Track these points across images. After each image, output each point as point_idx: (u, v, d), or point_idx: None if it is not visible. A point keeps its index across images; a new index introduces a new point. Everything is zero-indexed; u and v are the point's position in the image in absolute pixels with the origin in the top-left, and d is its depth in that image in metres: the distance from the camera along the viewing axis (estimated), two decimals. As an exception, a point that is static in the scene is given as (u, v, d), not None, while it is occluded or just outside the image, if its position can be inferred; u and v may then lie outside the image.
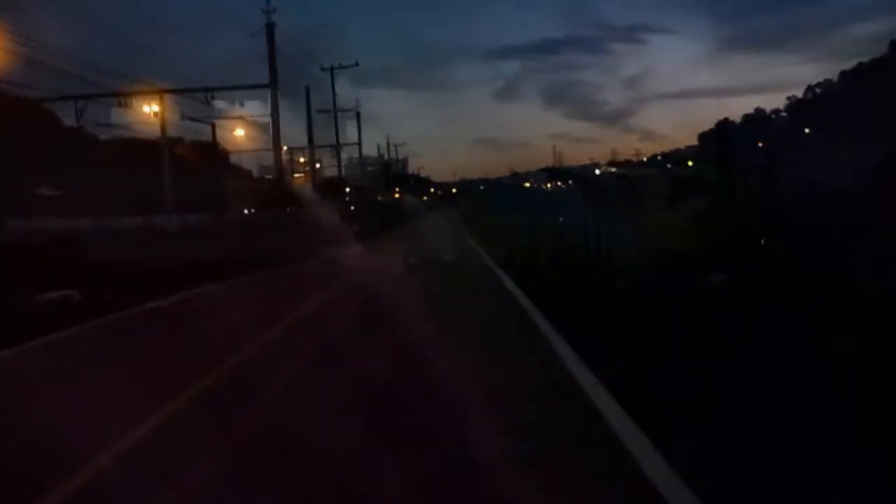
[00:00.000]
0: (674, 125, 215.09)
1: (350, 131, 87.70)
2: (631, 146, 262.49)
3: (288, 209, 37.27)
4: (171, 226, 31.84)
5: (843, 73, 66.48)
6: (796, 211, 12.95)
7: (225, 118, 42.71)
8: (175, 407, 5.72)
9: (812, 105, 66.12)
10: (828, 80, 70.54)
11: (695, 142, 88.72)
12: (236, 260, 18.51)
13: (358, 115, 65.93)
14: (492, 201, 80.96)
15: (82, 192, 32.23)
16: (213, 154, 43.95)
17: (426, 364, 6.91)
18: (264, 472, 4.25)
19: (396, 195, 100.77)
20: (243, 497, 3.99)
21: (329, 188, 53.25)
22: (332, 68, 50.10)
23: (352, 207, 50.82)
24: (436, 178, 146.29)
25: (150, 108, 34.57)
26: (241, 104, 45.78)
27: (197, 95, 34.11)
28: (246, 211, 45.64)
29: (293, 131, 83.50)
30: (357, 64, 51.75)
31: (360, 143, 69.15)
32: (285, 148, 53.95)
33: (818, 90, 72.12)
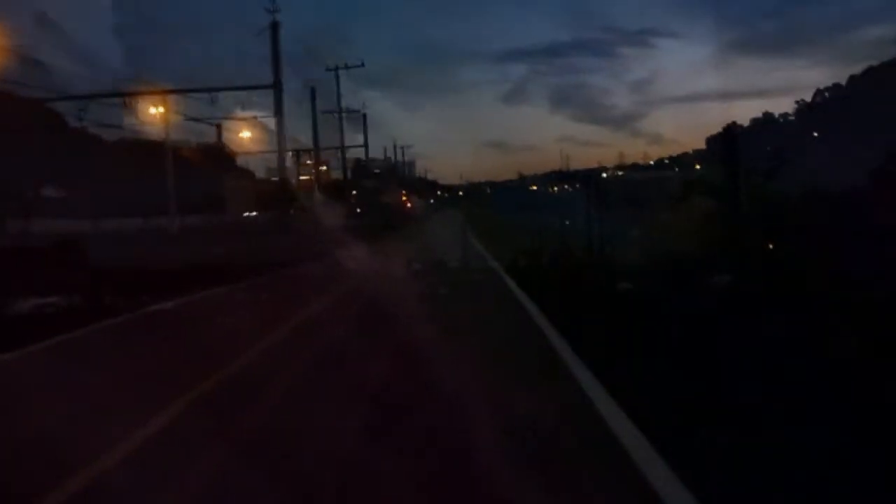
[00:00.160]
0: (681, 129, 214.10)
1: (358, 133, 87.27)
2: (638, 150, 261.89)
3: (291, 211, 37.25)
4: (172, 228, 31.81)
5: (853, 77, 66.17)
6: (805, 213, 12.84)
7: (228, 118, 42.73)
8: (178, 408, 5.69)
9: (822, 108, 65.76)
10: (836, 83, 70.27)
11: (702, 145, 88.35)
12: (233, 264, 18.23)
13: (364, 117, 66.04)
14: (498, 204, 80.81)
15: (87, 193, 32.31)
16: (218, 156, 44.02)
17: (423, 372, 6.79)
18: (264, 472, 4.19)
19: (403, 197, 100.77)
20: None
21: (334, 190, 53.29)
22: (336, 68, 50.14)
23: (357, 210, 50.82)
24: (442, 181, 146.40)
25: (155, 110, 34.66)
26: (244, 106, 45.83)
27: (201, 96, 34.13)
28: (247, 213, 45.46)
29: (300, 133, 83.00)
30: (363, 64, 51.87)
31: (366, 145, 69.32)
32: (291, 151, 54.06)
33: (827, 94, 71.81)
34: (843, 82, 69.56)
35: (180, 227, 32.12)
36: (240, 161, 53.35)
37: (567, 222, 21.57)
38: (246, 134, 44.45)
